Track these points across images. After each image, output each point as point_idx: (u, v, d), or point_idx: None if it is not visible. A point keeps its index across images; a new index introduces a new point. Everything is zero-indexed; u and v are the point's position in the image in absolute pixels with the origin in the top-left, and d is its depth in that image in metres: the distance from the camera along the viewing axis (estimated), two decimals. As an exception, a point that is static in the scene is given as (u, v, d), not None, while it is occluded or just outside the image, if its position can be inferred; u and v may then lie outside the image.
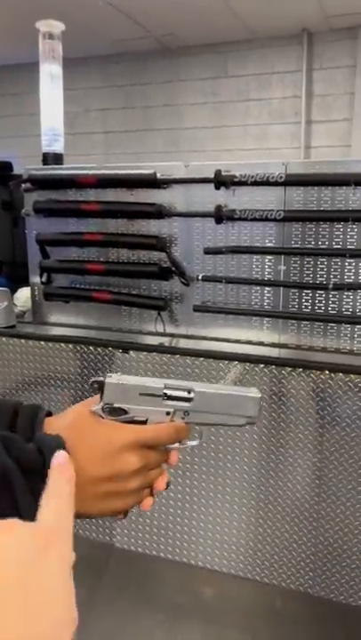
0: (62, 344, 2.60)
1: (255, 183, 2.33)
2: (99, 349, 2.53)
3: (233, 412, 0.66)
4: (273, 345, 2.48)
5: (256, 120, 5.51)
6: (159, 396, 0.64)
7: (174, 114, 5.84)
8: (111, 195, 2.61)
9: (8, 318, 2.79)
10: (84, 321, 2.81)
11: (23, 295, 3.20)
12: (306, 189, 2.32)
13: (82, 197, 2.66)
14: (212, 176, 2.39)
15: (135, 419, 0.63)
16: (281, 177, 2.29)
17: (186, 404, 0.64)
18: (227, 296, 2.54)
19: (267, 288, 2.47)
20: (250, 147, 5.51)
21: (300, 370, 2.23)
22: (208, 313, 2.56)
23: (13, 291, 3.20)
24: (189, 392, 0.64)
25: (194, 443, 0.67)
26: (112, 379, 0.63)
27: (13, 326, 2.80)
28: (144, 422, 0.63)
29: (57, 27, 2.85)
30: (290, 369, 2.25)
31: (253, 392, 0.67)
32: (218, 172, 2.37)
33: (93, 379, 0.64)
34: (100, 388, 0.63)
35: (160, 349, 2.42)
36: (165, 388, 0.64)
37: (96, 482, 0.58)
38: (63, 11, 3.99)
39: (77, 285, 2.75)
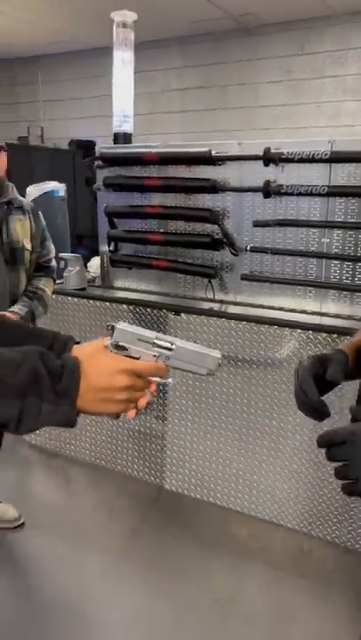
0: (124, 305, 2.92)
1: (301, 160, 2.49)
2: (155, 311, 2.82)
3: (199, 364, 0.88)
4: (314, 313, 2.65)
5: (330, 97, 5.50)
6: (150, 343, 0.87)
7: (250, 92, 5.94)
8: (171, 171, 2.86)
9: (80, 281, 3.14)
10: (144, 286, 3.11)
11: (95, 263, 3.55)
12: (350, 166, 2.45)
13: (146, 174, 2.94)
14: (262, 154, 2.57)
15: (131, 355, 0.87)
16: (326, 154, 2.43)
17: (168, 352, 0.87)
18: (273, 266, 2.73)
19: (310, 259, 2.64)
20: (323, 124, 5.52)
21: (336, 335, 2.40)
22: (255, 282, 2.77)
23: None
24: (172, 344, 0.87)
25: (169, 380, 0.92)
26: (121, 325, 0.89)
27: (84, 289, 3.15)
28: (137, 359, 0.88)
29: (130, 16, 3.10)
30: (325, 334, 2.42)
31: (216, 353, 0.90)
32: (267, 150, 2.55)
33: (109, 323, 0.90)
34: (112, 330, 0.90)
35: (207, 313, 2.67)
36: (156, 338, 0.87)
37: (97, 390, 0.83)
38: None
39: (139, 254, 3.05)
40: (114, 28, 3.14)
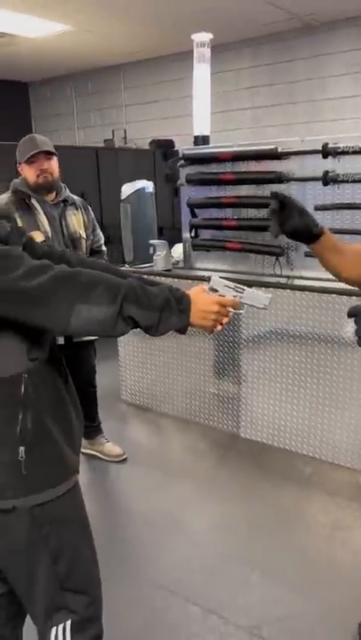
0: (200, 282, 3.46)
1: (355, 152, 2.92)
2: (230, 285, 3.34)
3: (258, 301, 1.46)
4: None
5: (396, 87, 5.77)
6: (232, 288, 1.46)
7: (316, 86, 6.30)
8: (243, 166, 3.37)
9: (166, 263, 3.73)
10: (221, 266, 3.64)
11: (178, 249, 4.13)
12: None
13: (221, 170, 3.46)
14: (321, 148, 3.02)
15: (219, 294, 1.45)
16: (375, 146, 2.85)
17: (240, 294, 1.45)
18: (332, 244, 3.17)
19: (365, 237, 3.05)
20: (389, 113, 5.81)
21: (385, 301, 2.82)
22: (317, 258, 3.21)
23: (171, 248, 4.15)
24: (243, 290, 1.46)
25: (241, 311, 1.45)
26: (214, 277, 1.47)
27: (170, 270, 3.73)
28: (223, 296, 1.44)
29: (207, 36, 3.62)
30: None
31: (268, 295, 1.46)
32: (325, 145, 3.00)
33: (206, 276, 1.46)
34: (209, 279, 1.45)
35: (274, 286, 3.16)
36: (234, 286, 1.45)
37: (200, 311, 1.38)
38: (220, 2, 4.74)
39: (216, 238, 3.58)
40: (194, 47, 3.65)
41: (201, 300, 1.37)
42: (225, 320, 1.42)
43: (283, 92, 6.58)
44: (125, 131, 8.04)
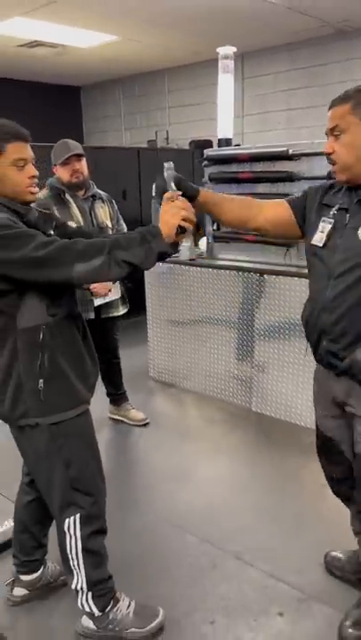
0: (221, 270, 3.86)
1: (356, 154, 3.24)
2: (245, 273, 3.73)
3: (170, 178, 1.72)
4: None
5: None
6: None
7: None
8: (259, 166, 3.74)
9: (191, 253, 4.14)
10: (239, 256, 4.02)
11: (202, 241, 4.54)
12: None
13: (240, 169, 3.84)
14: (327, 150, 3.35)
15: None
16: (374, 148, 3.16)
17: (172, 188, 1.68)
18: (336, 237, 3.50)
19: (365, 231, 3.37)
20: None
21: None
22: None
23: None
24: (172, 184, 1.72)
25: (179, 192, 1.69)
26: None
27: (194, 259, 4.14)
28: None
29: (231, 49, 4.00)
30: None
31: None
32: (329, 148, 3.32)
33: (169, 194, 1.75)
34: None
35: (283, 273, 3.52)
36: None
37: (163, 223, 1.59)
38: (254, 12, 5.10)
39: (235, 231, 3.95)
40: (219, 59, 4.04)
41: (161, 217, 1.65)
42: (183, 213, 1.63)
43: (317, 95, 6.85)
44: (168, 132, 8.49)
